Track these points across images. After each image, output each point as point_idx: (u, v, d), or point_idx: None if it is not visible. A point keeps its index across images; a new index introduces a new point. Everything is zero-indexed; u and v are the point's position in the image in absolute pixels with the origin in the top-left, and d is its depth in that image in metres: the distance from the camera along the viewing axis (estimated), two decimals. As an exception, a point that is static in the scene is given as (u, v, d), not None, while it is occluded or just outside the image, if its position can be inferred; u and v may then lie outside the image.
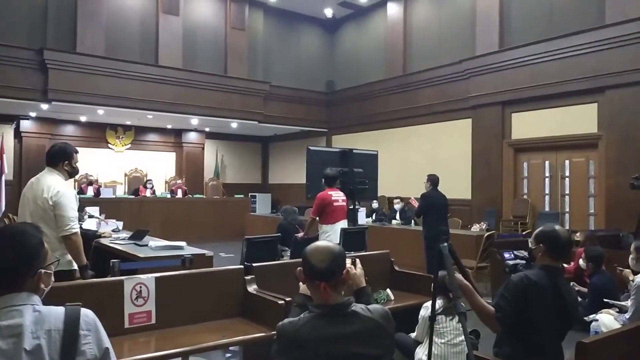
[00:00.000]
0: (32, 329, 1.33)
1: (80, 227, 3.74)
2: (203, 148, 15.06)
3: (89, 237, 5.00)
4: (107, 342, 1.44)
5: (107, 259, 4.08)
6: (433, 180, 6.74)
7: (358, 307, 1.81)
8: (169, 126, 14.23)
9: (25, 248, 1.42)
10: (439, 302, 3.32)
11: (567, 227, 8.36)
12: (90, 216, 5.94)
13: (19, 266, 1.40)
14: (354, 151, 7.55)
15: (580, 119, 8.74)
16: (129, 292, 3.28)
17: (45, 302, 1.45)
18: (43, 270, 1.45)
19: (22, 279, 1.40)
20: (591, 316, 4.33)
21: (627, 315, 3.84)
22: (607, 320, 4.00)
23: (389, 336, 1.83)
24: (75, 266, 3.48)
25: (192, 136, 14.81)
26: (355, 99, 13.52)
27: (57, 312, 1.40)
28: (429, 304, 3.75)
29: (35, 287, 1.43)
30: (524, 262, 3.02)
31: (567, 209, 9.16)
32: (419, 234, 7.12)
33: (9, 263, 1.38)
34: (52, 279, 1.51)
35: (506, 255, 5.07)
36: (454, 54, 10.90)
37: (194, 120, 13.00)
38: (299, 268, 1.87)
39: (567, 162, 9.16)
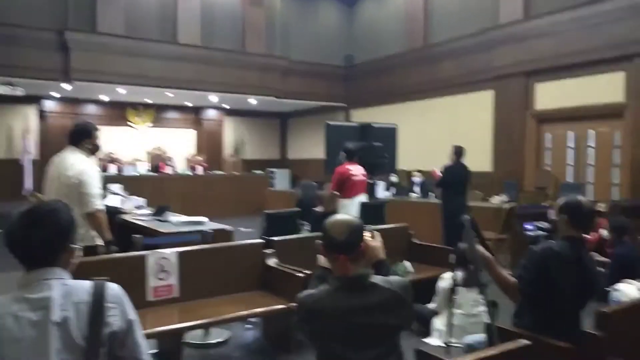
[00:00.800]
0: (60, 301, 1.38)
1: (104, 205, 3.80)
2: (222, 125, 15.10)
3: (113, 213, 5.10)
4: (132, 315, 1.47)
5: (130, 234, 4.17)
6: (458, 151, 6.66)
7: (377, 279, 1.83)
8: (189, 104, 14.28)
9: (60, 224, 1.46)
10: (459, 274, 3.32)
11: (591, 198, 8.21)
12: (114, 193, 6.05)
13: (55, 242, 1.44)
14: (373, 125, 7.50)
15: (606, 88, 8.48)
16: (152, 267, 3.36)
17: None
18: (75, 246, 1.49)
19: (57, 254, 1.45)
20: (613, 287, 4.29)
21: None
22: (628, 290, 3.95)
23: (408, 307, 1.84)
24: (99, 242, 3.56)
25: (212, 113, 14.86)
26: (374, 72, 13.33)
27: (85, 286, 1.44)
28: (447, 275, 3.77)
29: (68, 262, 1.49)
30: (545, 233, 2.99)
31: (591, 180, 8.98)
32: (437, 207, 7.09)
33: (46, 239, 1.43)
34: (79, 253, 1.56)
35: (528, 226, 5.03)
36: (477, 24, 10.60)
37: (213, 97, 13.02)
38: (318, 241, 1.89)
39: (591, 132, 8.95)
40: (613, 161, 8.66)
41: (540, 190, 9.26)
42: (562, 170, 9.32)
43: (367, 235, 1.92)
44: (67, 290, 1.40)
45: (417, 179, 9.61)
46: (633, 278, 4.28)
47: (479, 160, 9.76)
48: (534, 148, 9.68)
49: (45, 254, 1.43)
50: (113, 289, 1.46)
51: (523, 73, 9.67)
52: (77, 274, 1.51)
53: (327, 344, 1.79)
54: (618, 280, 4.32)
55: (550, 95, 9.36)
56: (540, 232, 3.18)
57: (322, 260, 2.03)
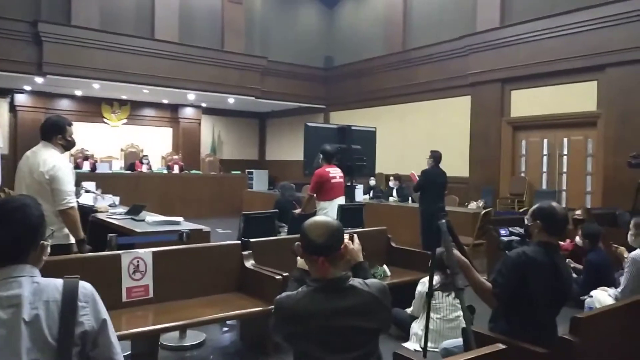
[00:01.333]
0: (30, 299, 1.34)
1: (77, 202, 3.71)
2: (199, 124, 14.96)
3: (86, 211, 4.99)
4: (105, 314, 1.44)
5: (104, 233, 4.09)
6: (435, 156, 6.73)
7: (355, 282, 1.83)
8: (165, 101, 14.10)
9: (29, 221, 1.42)
10: (436, 278, 3.34)
11: (564, 205, 8.39)
12: (87, 191, 5.93)
13: (23, 239, 1.41)
14: (352, 128, 7.52)
15: (580, 96, 8.69)
16: (126, 266, 3.30)
17: (43, 276, 1.45)
18: (45, 243, 1.45)
19: (26, 251, 1.41)
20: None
21: (619, 289, 3.88)
22: (601, 297, 4.04)
23: (386, 310, 1.85)
24: (72, 240, 3.47)
25: (189, 111, 14.70)
26: (353, 75, 13.40)
27: (56, 284, 1.40)
28: (426, 279, 3.80)
29: (38, 259, 1.45)
30: (518, 238, 3.03)
31: (565, 187, 9.18)
32: (415, 211, 7.14)
33: (13, 236, 1.39)
34: (48, 250, 1.52)
35: (501, 232, 5.11)
36: (454, 30, 10.76)
37: (191, 96, 12.88)
38: (297, 243, 1.88)
39: (565, 140, 9.15)
40: (586, 169, 8.86)
41: (516, 196, 9.44)
42: (537, 177, 9.51)
43: (345, 238, 1.91)
44: (37, 289, 1.37)
45: (393, 183, 9.67)
46: (607, 284, 4.38)
47: (456, 165, 9.89)
48: (510, 155, 9.86)
49: (13, 251, 1.39)
50: (85, 287, 1.43)
51: (499, 80, 9.84)
52: (49, 273, 1.47)
53: (304, 346, 1.78)
54: (592, 286, 4.42)
55: (526, 102, 9.54)
56: (514, 238, 3.22)
57: (300, 261, 2.02)
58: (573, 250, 5.45)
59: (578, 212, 5.77)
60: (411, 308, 3.98)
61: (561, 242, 5.53)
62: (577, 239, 5.19)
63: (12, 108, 12.22)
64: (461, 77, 10.47)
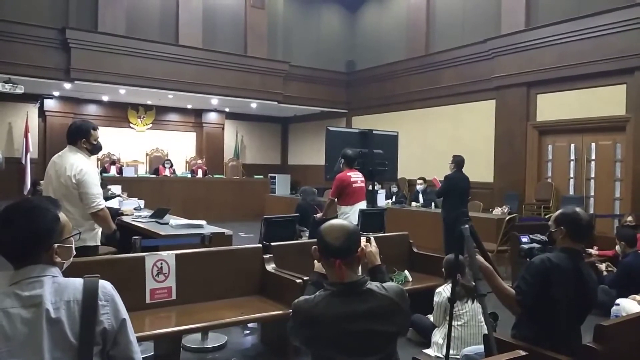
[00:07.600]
0: (52, 299, 1.36)
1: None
2: (223, 128, 15.10)
3: (112, 214, 5.08)
4: (124, 314, 1.46)
5: (129, 236, 4.16)
6: (458, 161, 6.67)
7: (373, 285, 1.82)
8: (189, 106, 14.30)
9: (39, 223, 1.43)
10: (449, 287, 3.30)
11: (592, 212, 8.21)
12: (113, 194, 6.04)
13: (33, 241, 1.41)
14: (374, 132, 7.49)
15: (608, 100, 8.50)
16: (150, 268, 3.35)
17: (69, 276, 1.47)
18: (57, 245, 1.45)
19: (37, 252, 1.42)
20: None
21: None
22: (627, 306, 3.95)
23: (404, 314, 1.84)
24: (99, 242, 3.55)
25: (212, 116, 14.87)
26: (375, 79, 13.36)
27: (76, 284, 1.42)
28: (441, 289, 3.77)
29: (51, 260, 1.45)
30: (539, 245, 2.97)
31: (592, 193, 8.97)
32: (438, 217, 7.07)
33: (23, 238, 1.40)
34: (73, 252, 1.53)
35: (522, 239, 5.02)
36: (479, 33, 10.64)
37: (214, 101, 13.03)
38: (314, 246, 1.88)
39: (593, 145, 8.95)
40: (615, 175, 8.65)
41: (542, 202, 9.26)
42: (564, 183, 9.32)
43: (362, 241, 1.91)
44: (58, 288, 1.39)
45: (421, 186, 9.50)
46: (638, 288, 4.30)
47: (480, 170, 9.77)
48: (536, 160, 9.68)
49: (26, 252, 1.41)
50: (105, 287, 1.45)
51: (524, 84, 9.69)
52: (75, 274, 1.49)
53: (322, 350, 1.78)
54: (623, 288, 4.36)
55: (552, 106, 9.37)
56: (535, 245, 3.16)
57: (317, 265, 2.02)
58: (613, 256, 5.40)
59: (629, 218, 5.67)
60: (432, 318, 3.94)
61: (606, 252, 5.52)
62: (618, 247, 5.13)
63: (42, 113, 12.53)
64: (485, 81, 10.35)
